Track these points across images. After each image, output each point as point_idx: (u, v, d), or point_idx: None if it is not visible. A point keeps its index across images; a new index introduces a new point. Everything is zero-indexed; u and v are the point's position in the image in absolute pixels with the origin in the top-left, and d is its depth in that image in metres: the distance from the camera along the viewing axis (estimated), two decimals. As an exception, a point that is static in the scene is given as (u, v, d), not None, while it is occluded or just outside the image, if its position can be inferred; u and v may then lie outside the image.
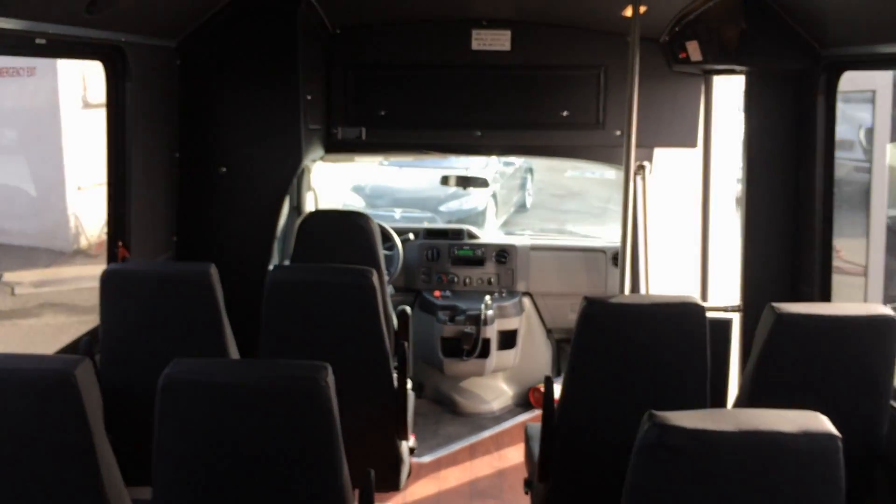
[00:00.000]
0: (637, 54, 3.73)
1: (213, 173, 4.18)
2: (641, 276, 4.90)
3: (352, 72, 4.86)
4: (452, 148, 5.04)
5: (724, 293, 4.95)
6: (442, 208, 12.52)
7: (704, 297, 4.67)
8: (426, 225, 5.76)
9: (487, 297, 5.31)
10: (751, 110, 3.85)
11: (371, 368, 3.15)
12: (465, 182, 5.49)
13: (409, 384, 4.28)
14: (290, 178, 4.23)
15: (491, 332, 5.24)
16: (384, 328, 3.11)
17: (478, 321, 5.18)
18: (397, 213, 12.66)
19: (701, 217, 4.80)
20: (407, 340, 4.34)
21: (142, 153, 3.71)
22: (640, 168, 4.93)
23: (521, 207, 14.68)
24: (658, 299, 2.75)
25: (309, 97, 4.28)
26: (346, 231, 4.26)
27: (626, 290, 4.11)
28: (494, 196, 12.87)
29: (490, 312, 5.22)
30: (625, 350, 2.74)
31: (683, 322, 2.70)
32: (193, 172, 4.18)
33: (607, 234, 6.05)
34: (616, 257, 5.54)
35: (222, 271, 4.15)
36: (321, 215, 4.34)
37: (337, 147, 4.94)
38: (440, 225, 5.84)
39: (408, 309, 4.39)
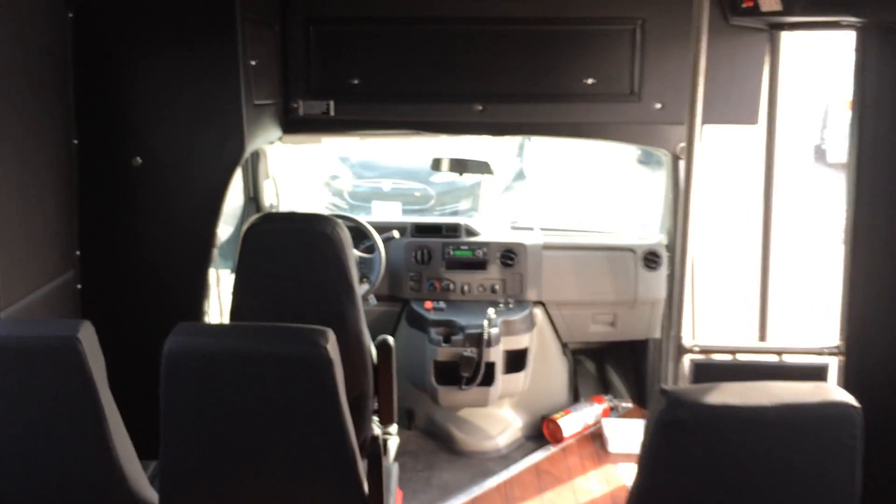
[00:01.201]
0: None
1: (126, 166, 3.11)
2: (687, 290, 3.87)
3: (315, 28, 3.76)
4: (446, 126, 3.95)
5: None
6: (434, 179, 11.60)
7: (764, 331, 3.61)
8: (414, 219, 4.70)
9: (490, 311, 4.28)
10: (864, 80, 2.78)
11: (328, 475, 2.11)
12: (460, 167, 4.41)
13: (391, 452, 3.28)
14: (229, 169, 3.16)
15: (496, 355, 4.21)
16: (346, 419, 2.06)
17: (479, 342, 4.15)
18: (386, 184, 11.70)
19: (762, 218, 3.75)
20: (390, 384, 3.33)
21: (15, 141, 2.64)
22: (683, 150, 3.87)
23: (519, 176, 13.64)
24: (782, 395, 1.71)
25: (254, 62, 3.19)
26: (305, 242, 3.20)
27: (684, 315, 3.05)
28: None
29: (494, 330, 4.19)
30: (725, 471, 1.72)
31: (824, 432, 1.67)
32: (99, 165, 3.11)
33: (631, 227, 5.00)
34: (649, 257, 4.50)
35: (143, 294, 3.12)
36: (271, 222, 3.26)
37: (298, 125, 3.86)
38: (431, 219, 4.79)
39: (390, 340, 3.36)
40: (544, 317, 4.57)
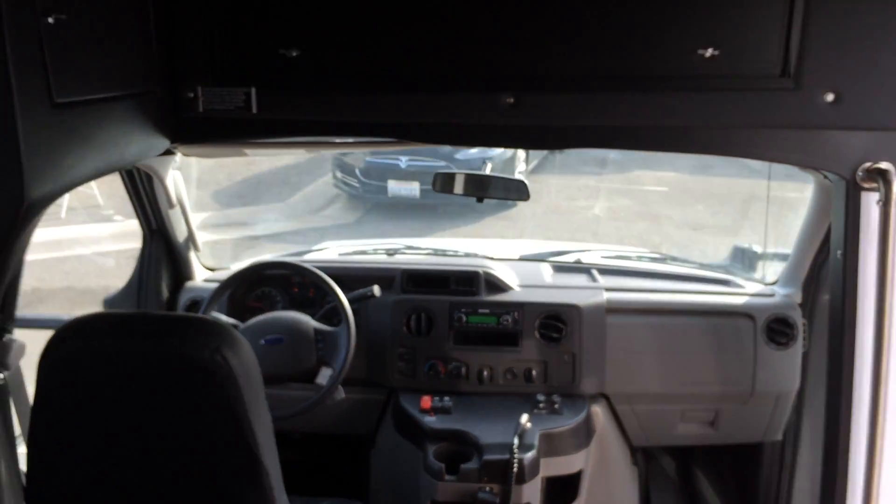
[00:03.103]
0: None
1: None
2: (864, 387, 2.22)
3: None
4: (451, 132, 2.28)
5: None
6: (459, 156, 10.16)
7: None
8: (406, 263, 3.08)
9: (524, 417, 2.69)
10: None
11: None
12: (480, 188, 2.76)
13: None
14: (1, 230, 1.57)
15: (531, 493, 2.62)
16: None
17: (505, 474, 2.56)
18: (403, 160, 10.38)
19: None
20: None
21: None
22: (872, 175, 2.18)
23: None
24: None
25: (52, 19, 1.58)
26: (159, 380, 1.62)
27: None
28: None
29: (530, 455, 2.60)
30: None
31: None
32: None
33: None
34: (775, 327, 2.88)
35: None
36: (87, 338, 1.63)
37: (198, 129, 2.23)
38: (431, 261, 3.16)
39: None
40: (608, 416, 2.97)
